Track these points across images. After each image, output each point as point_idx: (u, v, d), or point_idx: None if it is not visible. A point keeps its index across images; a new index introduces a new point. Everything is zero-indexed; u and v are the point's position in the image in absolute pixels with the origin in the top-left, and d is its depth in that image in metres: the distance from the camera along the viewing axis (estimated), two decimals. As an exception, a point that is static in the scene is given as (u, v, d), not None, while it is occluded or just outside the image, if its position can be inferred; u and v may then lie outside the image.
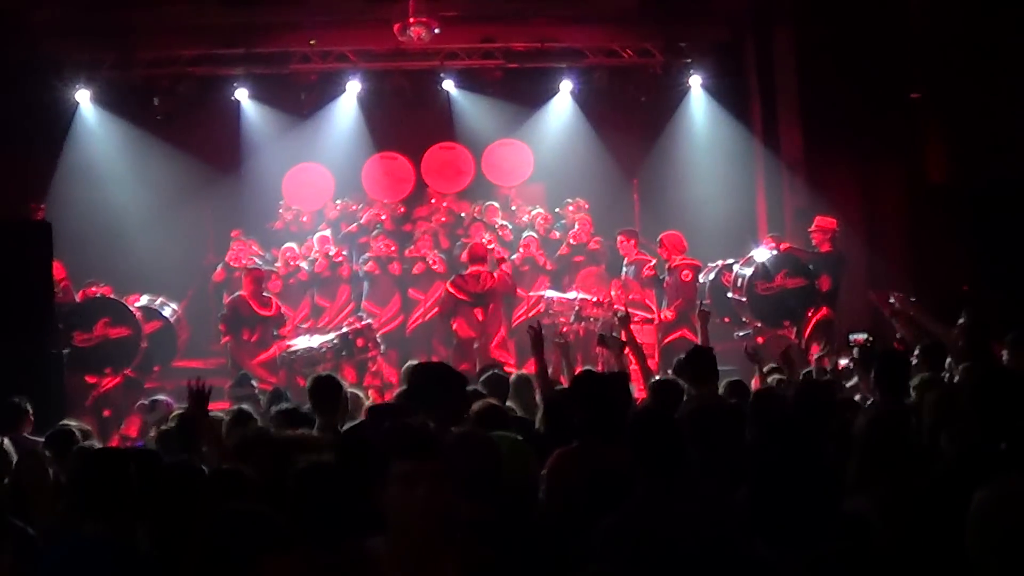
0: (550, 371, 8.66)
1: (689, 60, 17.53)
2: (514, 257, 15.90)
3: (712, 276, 14.56)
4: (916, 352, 8.09)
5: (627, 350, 9.30)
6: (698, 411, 5.98)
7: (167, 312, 15.07)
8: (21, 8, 15.86)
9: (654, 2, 17.28)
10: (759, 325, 13.81)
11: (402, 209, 17.97)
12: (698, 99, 17.72)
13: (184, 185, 17.13)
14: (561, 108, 18.11)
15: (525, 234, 16.30)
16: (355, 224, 17.25)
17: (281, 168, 18.05)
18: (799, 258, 13.85)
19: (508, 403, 7.91)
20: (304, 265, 16.02)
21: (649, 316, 14.10)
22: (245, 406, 7.75)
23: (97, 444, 7.67)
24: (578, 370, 8.49)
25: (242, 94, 17.59)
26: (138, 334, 13.77)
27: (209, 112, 17.97)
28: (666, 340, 13.56)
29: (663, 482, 4.59)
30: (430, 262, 15.83)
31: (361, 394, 9.17)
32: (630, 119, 18.26)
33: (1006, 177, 14.17)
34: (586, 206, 16.99)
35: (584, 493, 5.07)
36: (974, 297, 13.32)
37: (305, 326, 15.48)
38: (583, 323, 14.19)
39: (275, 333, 14.10)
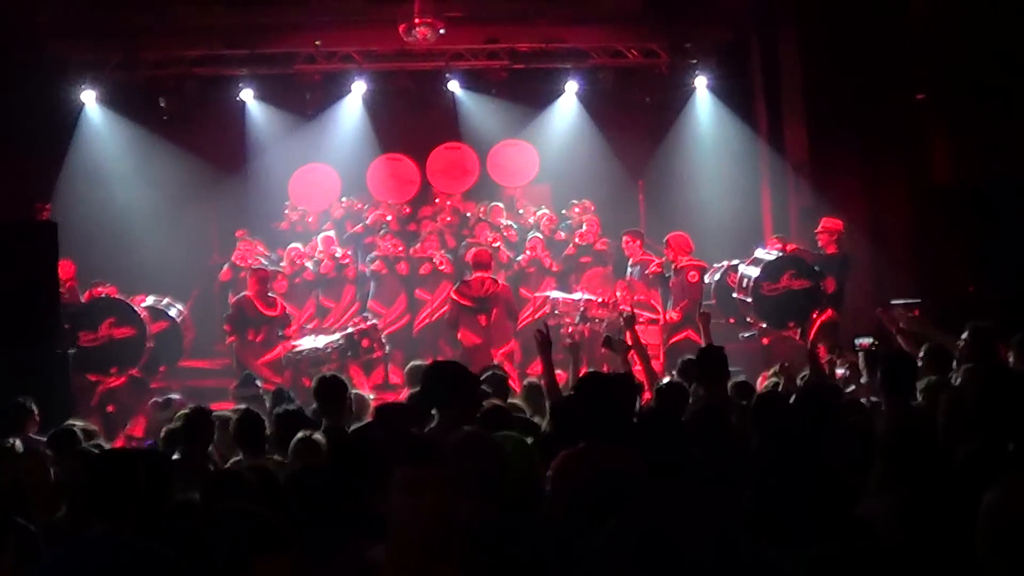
0: (557, 371, 8.67)
1: (694, 61, 17.51)
2: (520, 258, 15.89)
3: (717, 277, 14.55)
4: (921, 355, 8.07)
5: (632, 353, 9.30)
6: (702, 412, 5.99)
7: (173, 312, 15.08)
8: (27, 9, 15.89)
9: (659, 3, 17.29)
10: (764, 326, 13.80)
11: (407, 209, 17.99)
12: (703, 100, 17.73)
13: (189, 185, 17.16)
14: (566, 109, 18.12)
15: (531, 235, 16.28)
16: (360, 224, 17.27)
17: (286, 168, 18.07)
18: (805, 259, 13.83)
19: (513, 401, 7.95)
20: (310, 265, 16.02)
21: (654, 317, 14.07)
22: (252, 407, 7.74)
23: (104, 444, 7.68)
24: (583, 371, 8.49)
25: (247, 94, 17.61)
26: (143, 334, 13.77)
27: (214, 112, 17.99)
28: (671, 341, 13.52)
29: (669, 484, 4.60)
30: (437, 262, 15.83)
31: (366, 395, 9.17)
32: (635, 120, 18.26)
33: (1010, 177, 14.16)
34: (592, 207, 16.99)
35: (589, 494, 5.07)
36: (978, 298, 13.32)
37: (310, 326, 15.48)
38: (588, 324, 14.17)
39: (280, 333, 14.08)
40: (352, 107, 17.99)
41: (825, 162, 16.12)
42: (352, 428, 7.17)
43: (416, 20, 15.61)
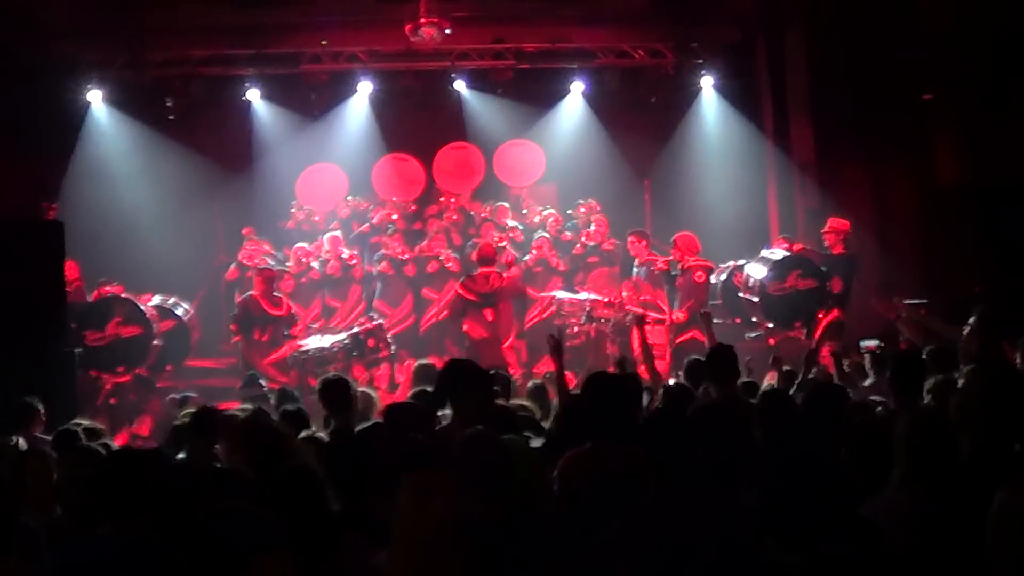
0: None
1: (700, 61, 17.51)
2: (527, 258, 15.89)
3: (724, 277, 14.56)
4: (924, 355, 8.06)
5: (640, 367, 9.31)
6: (709, 410, 5.98)
7: (180, 311, 15.09)
8: (33, 9, 15.88)
9: (665, 3, 17.29)
10: (770, 326, 13.78)
11: (413, 208, 17.99)
12: (709, 100, 17.72)
13: (195, 185, 17.15)
14: (572, 108, 18.11)
15: (537, 235, 16.27)
16: (367, 224, 17.27)
17: (292, 168, 18.07)
18: (812, 259, 13.82)
19: (523, 402, 7.96)
20: (316, 265, 16.01)
21: (661, 317, 14.08)
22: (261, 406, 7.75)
23: (112, 443, 7.69)
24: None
25: (253, 94, 17.61)
26: (149, 333, 13.79)
27: (220, 112, 18.00)
28: (677, 341, 13.52)
29: (675, 484, 4.59)
30: (444, 261, 15.82)
31: (373, 393, 9.17)
32: (641, 120, 18.25)
33: (1017, 178, 14.14)
34: (598, 207, 16.97)
35: (596, 495, 5.07)
36: (985, 298, 13.29)
37: (316, 326, 15.48)
38: (594, 324, 14.18)
39: (286, 333, 14.09)
40: (358, 107, 17.98)
41: (831, 162, 16.10)
42: (358, 428, 7.18)
43: (422, 20, 15.60)
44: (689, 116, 17.85)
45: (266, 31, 17.03)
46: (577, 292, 15.07)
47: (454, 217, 17.43)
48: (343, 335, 14.02)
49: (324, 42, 17.29)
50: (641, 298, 14.29)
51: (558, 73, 17.79)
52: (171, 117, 17.48)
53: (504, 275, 14.37)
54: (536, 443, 6.29)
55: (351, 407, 7.59)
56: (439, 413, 6.60)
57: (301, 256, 16.05)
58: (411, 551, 3.88)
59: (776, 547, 4.05)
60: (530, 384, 9.32)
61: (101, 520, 4.63)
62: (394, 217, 17.14)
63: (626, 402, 5.79)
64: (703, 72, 17.51)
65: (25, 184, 16.04)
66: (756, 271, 13.79)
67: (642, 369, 9.48)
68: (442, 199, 18.14)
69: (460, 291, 14.27)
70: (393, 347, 14.34)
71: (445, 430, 6.01)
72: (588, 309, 14.14)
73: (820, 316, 13.48)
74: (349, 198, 18.08)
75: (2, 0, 15.34)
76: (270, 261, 15.95)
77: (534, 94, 18.04)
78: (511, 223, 17.01)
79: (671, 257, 14.16)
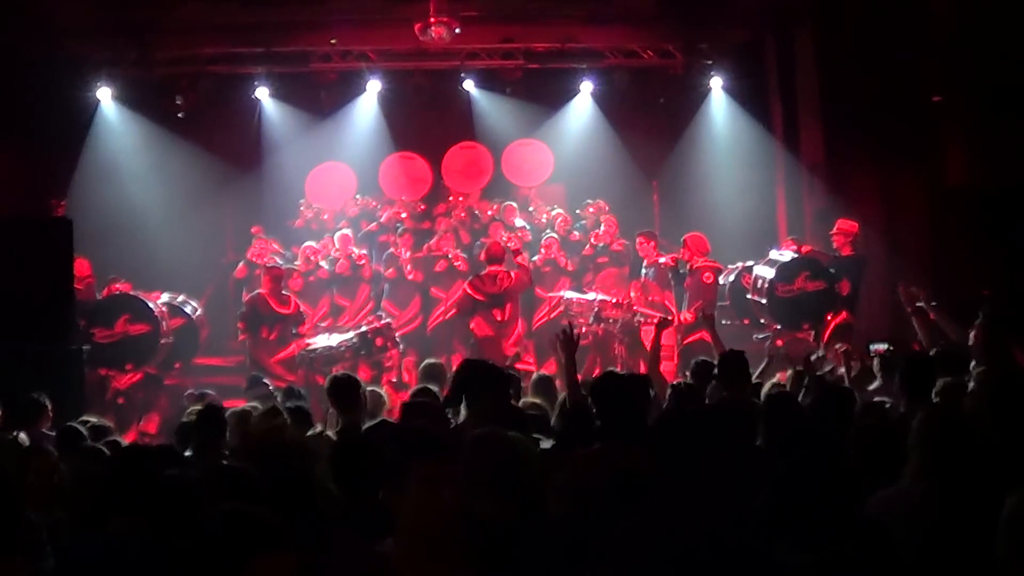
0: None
1: (709, 61, 17.50)
2: (535, 258, 15.86)
3: (732, 278, 14.53)
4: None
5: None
6: (715, 411, 5.98)
7: (188, 309, 15.10)
8: (42, 7, 15.90)
9: (674, 3, 17.28)
10: (778, 328, 13.76)
11: (422, 207, 18.01)
12: (718, 100, 17.70)
13: (204, 183, 17.17)
14: (581, 109, 18.12)
15: (546, 235, 16.25)
16: (375, 223, 17.27)
17: (301, 166, 18.10)
18: (820, 261, 13.80)
19: (534, 400, 7.95)
20: (324, 264, 16.01)
21: (668, 318, 14.06)
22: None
23: (122, 440, 7.70)
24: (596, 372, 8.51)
25: (262, 93, 17.64)
26: (158, 330, 13.79)
27: (229, 110, 18.03)
28: (685, 342, 13.51)
29: (684, 485, 4.58)
30: (452, 260, 15.80)
31: (382, 391, 9.18)
32: (650, 120, 18.25)
33: (1025, 181, 14.14)
34: (606, 207, 16.97)
35: (604, 495, 5.06)
36: (994, 300, 13.27)
37: (324, 324, 15.48)
38: (602, 324, 14.17)
39: (294, 331, 14.10)
40: (367, 106, 18.00)
41: (840, 164, 16.07)
42: (365, 427, 7.19)
43: (432, 19, 15.62)
44: (698, 117, 17.84)
45: (275, 29, 17.04)
46: (585, 292, 15.06)
47: (462, 215, 17.43)
48: (351, 334, 14.01)
49: (333, 41, 17.31)
50: (649, 299, 14.28)
51: (567, 73, 17.79)
52: (180, 115, 17.52)
53: (512, 274, 14.36)
54: (546, 444, 6.30)
55: (360, 406, 7.59)
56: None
57: (309, 254, 16.04)
58: (417, 540, 3.88)
59: (784, 548, 4.05)
60: (535, 376, 9.28)
61: (107, 518, 4.64)
62: (403, 215, 17.15)
63: (634, 402, 5.78)
64: (712, 73, 17.50)
65: (34, 181, 16.08)
66: (764, 272, 13.77)
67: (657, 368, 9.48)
68: (450, 198, 18.15)
69: (468, 291, 14.28)
70: (401, 346, 14.34)
71: (459, 428, 6.02)
72: (596, 309, 14.13)
73: (828, 318, 13.46)
74: (358, 197, 18.10)
75: (12, -2, 15.40)
76: (278, 259, 15.96)
77: (543, 94, 18.04)
78: (519, 223, 17.00)
79: (679, 255, 14.16)
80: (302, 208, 17.94)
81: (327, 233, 17.01)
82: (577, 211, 17.42)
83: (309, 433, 7.60)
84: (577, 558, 4.45)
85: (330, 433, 7.33)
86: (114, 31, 16.69)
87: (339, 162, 18.23)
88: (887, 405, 6.98)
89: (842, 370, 9.57)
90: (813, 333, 13.54)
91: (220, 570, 3.28)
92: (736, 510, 4.58)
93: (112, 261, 15.33)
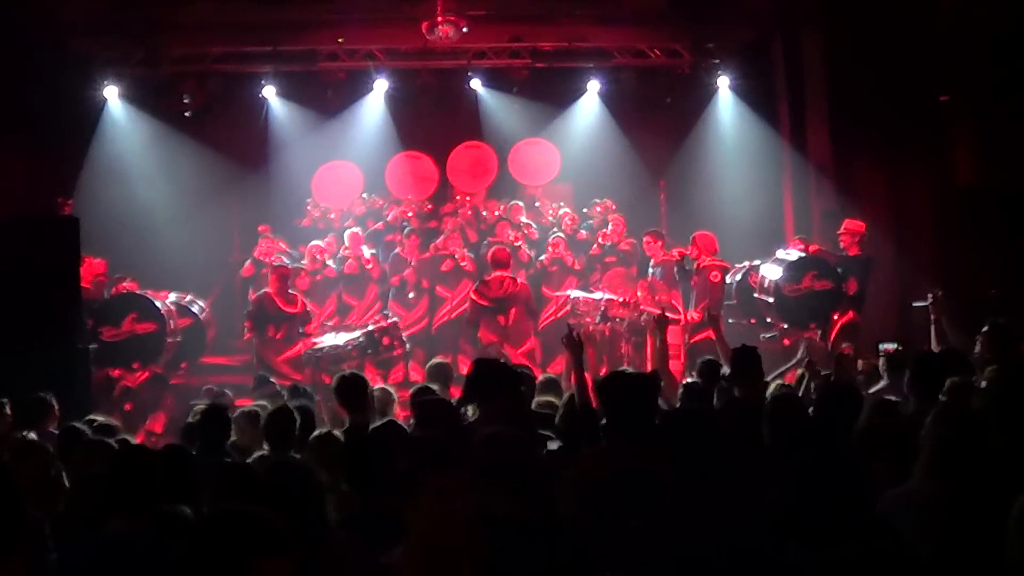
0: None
1: (717, 61, 17.49)
2: (543, 257, 15.85)
3: (739, 277, 14.51)
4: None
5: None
6: (726, 410, 5.96)
7: (195, 308, 15.11)
8: (50, 6, 15.92)
9: (682, 3, 17.27)
10: (785, 327, 13.74)
11: (429, 206, 18.01)
12: (725, 100, 17.69)
13: (211, 182, 17.20)
14: (588, 108, 18.11)
15: (553, 234, 16.24)
16: (381, 222, 17.28)
17: (308, 165, 18.11)
18: (827, 260, 13.78)
19: (544, 399, 7.94)
20: (331, 263, 16.01)
21: (676, 317, 14.05)
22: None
23: (130, 439, 7.70)
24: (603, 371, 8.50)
25: (270, 91, 17.63)
26: (164, 329, 13.78)
27: (236, 109, 18.03)
28: (692, 340, 13.52)
29: (694, 484, 4.57)
30: (459, 260, 15.79)
31: (391, 390, 9.16)
32: (657, 119, 18.25)
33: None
34: (613, 206, 16.97)
35: (612, 494, 5.05)
36: (1001, 302, 13.24)
37: (331, 323, 15.48)
38: (609, 323, 14.16)
39: (301, 330, 14.09)
40: (374, 105, 18.01)
41: (848, 163, 16.04)
42: (373, 426, 7.18)
43: (439, 18, 15.64)
44: (705, 116, 17.83)
45: (283, 28, 17.05)
46: (592, 291, 15.05)
47: (469, 214, 17.42)
48: (358, 333, 14.00)
49: (341, 40, 17.32)
50: (656, 298, 14.27)
51: (574, 72, 17.79)
52: (187, 114, 17.53)
53: (518, 280, 14.36)
54: (554, 445, 6.30)
55: (367, 405, 7.59)
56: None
57: (316, 253, 16.03)
58: (430, 551, 3.86)
59: (795, 547, 4.04)
60: (542, 377, 9.27)
61: (108, 516, 4.64)
62: (409, 215, 17.15)
63: (642, 401, 5.77)
64: (719, 72, 17.49)
65: (41, 180, 16.08)
66: (771, 272, 13.75)
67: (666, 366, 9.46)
68: (457, 198, 18.15)
69: (474, 297, 14.31)
70: (408, 345, 14.34)
71: (471, 427, 6.02)
72: (603, 308, 14.12)
73: (835, 318, 13.44)
74: (364, 196, 18.11)
75: (20, -3, 15.42)
76: (285, 258, 15.96)
77: (550, 93, 18.03)
78: (525, 221, 16.99)
79: (687, 251, 14.15)
80: (309, 207, 17.95)
81: (334, 232, 17.00)
82: (584, 210, 17.41)
83: (316, 433, 7.59)
84: (587, 557, 4.44)
85: (337, 433, 7.32)
86: (121, 30, 16.70)
87: (346, 161, 18.24)
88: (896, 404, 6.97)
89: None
90: (820, 333, 13.51)
91: (220, 570, 3.27)
92: (747, 509, 4.57)
93: (119, 260, 15.33)
